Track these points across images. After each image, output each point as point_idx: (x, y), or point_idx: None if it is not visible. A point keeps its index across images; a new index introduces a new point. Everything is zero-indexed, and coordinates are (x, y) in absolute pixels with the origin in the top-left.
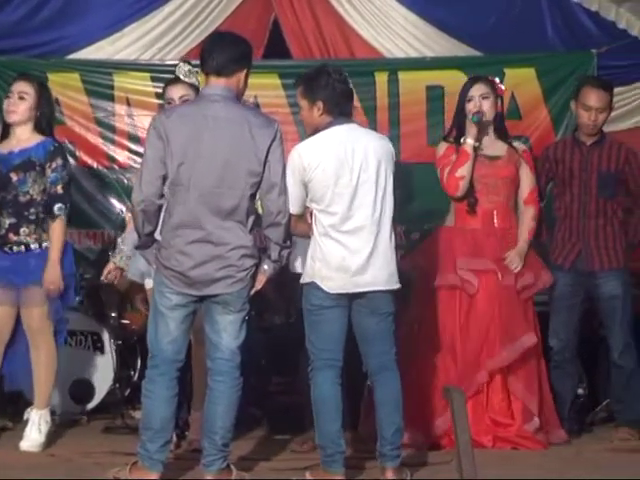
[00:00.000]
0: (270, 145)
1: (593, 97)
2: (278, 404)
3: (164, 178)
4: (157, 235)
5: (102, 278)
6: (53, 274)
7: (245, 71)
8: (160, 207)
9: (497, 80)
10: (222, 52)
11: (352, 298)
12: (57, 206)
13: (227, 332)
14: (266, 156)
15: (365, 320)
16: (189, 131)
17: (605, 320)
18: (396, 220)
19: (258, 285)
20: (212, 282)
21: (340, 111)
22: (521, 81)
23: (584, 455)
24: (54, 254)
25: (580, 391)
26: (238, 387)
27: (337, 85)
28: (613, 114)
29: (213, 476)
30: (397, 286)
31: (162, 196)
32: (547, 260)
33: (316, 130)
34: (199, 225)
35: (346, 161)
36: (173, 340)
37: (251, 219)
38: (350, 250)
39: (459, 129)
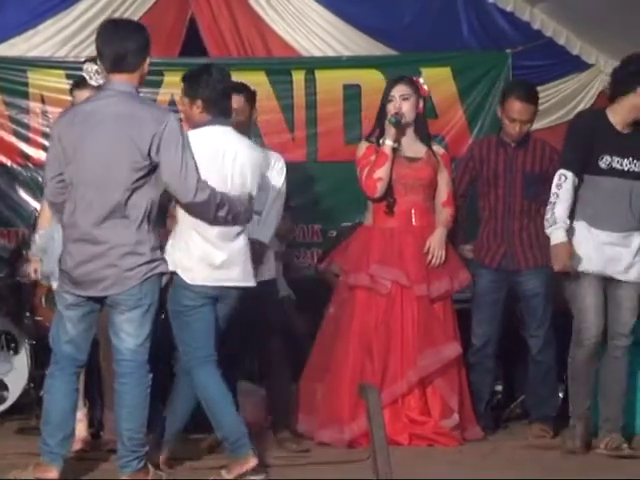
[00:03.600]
0: (153, 137)
1: (518, 110)
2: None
3: (61, 178)
4: None
5: (32, 276)
6: None
7: (147, 60)
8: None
9: (421, 81)
10: (121, 46)
11: (217, 293)
12: None
13: (125, 332)
14: (149, 148)
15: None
16: (76, 131)
17: (526, 316)
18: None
19: None
20: (94, 283)
21: (219, 110)
22: (437, 80)
23: (499, 452)
24: None
25: (497, 388)
26: (143, 387)
27: (217, 85)
28: None
29: (128, 477)
30: (253, 283)
31: (62, 194)
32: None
33: (195, 126)
34: (79, 224)
35: (215, 162)
36: (71, 340)
37: (141, 215)
38: (216, 246)
39: (381, 129)
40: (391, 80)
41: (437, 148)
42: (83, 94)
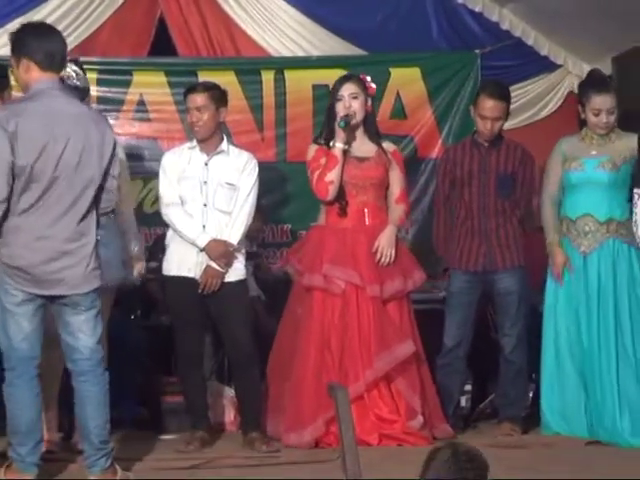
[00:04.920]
0: (114, 142)
1: (488, 107)
2: (164, 404)
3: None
4: None
5: None
6: None
7: None
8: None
9: (368, 79)
10: (60, 46)
11: None
12: None
13: (83, 332)
14: (112, 153)
15: None
16: (42, 128)
17: (500, 315)
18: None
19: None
20: (59, 281)
21: None
22: (406, 81)
23: None
24: None
25: (466, 387)
26: (104, 383)
27: None
28: None
29: (97, 476)
30: None
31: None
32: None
33: None
34: (45, 221)
35: None
36: (26, 337)
37: (97, 217)
38: None
39: (329, 130)
40: (338, 79)
41: (387, 145)
42: None
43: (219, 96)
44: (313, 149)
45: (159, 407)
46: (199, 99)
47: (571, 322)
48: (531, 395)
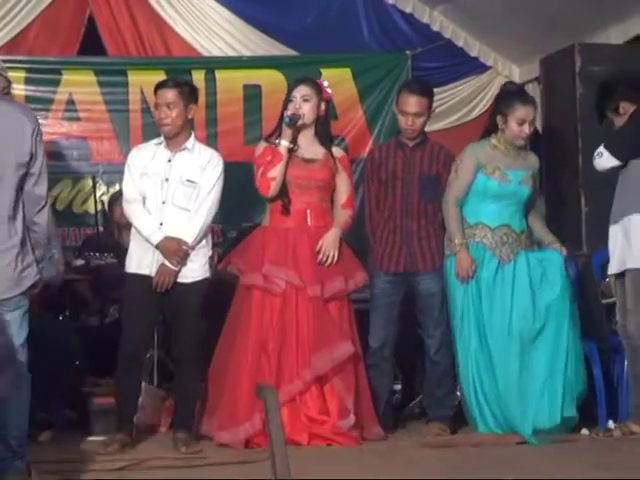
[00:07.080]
0: (33, 133)
1: (408, 102)
2: (92, 405)
3: None
4: None
5: None
6: None
7: None
8: None
9: (325, 84)
10: None
11: None
12: None
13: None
14: (32, 146)
15: None
16: None
17: (423, 317)
18: None
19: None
20: None
21: None
22: (337, 81)
23: (398, 450)
24: None
25: (396, 387)
26: (26, 384)
27: None
28: None
29: None
30: None
31: None
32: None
33: None
34: None
35: None
36: None
37: (21, 216)
38: None
39: (281, 130)
40: (294, 81)
41: (336, 150)
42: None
43: (189, 92)
44: (262, 146)
45: (88, 408)
46: (169, 95)
47: (479, 328)
48: (459, 394)
